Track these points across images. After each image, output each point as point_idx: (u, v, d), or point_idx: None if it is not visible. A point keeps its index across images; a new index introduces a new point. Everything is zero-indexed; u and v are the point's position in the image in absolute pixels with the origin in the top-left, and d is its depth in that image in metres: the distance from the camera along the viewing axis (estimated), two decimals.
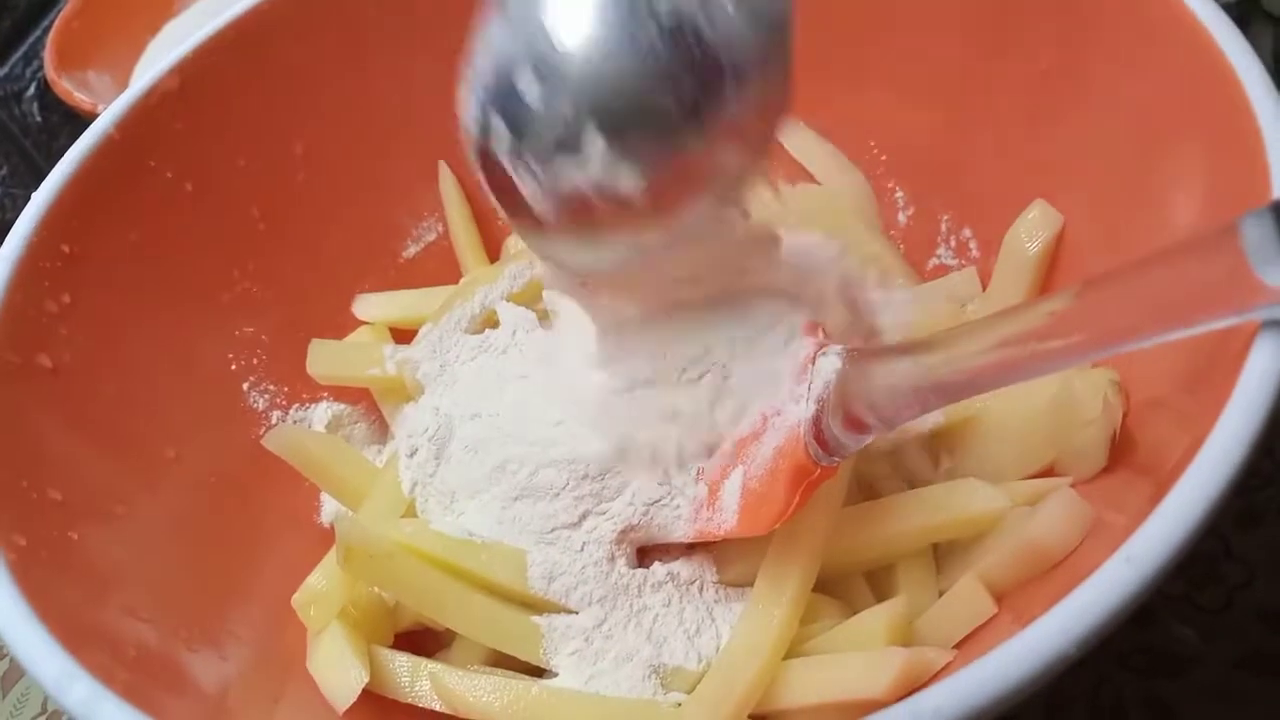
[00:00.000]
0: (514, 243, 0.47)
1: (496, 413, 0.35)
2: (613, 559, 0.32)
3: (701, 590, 0.32)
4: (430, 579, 0.32)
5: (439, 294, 0.44)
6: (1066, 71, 0.34)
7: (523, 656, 0.32)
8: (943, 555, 0.33)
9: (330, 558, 0.35)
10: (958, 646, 0.29)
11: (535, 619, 0.32)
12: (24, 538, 0.29)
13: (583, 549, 0.32)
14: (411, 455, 0.36)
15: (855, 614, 0.31)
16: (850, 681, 0.28)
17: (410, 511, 0.36)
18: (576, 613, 0.32)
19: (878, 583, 0.34)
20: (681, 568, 0.33)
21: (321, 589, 0.35)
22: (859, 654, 0.29)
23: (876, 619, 0.30)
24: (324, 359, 0.41)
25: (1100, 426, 0.29)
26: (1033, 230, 0.35)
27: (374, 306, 0.44)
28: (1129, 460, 0.28)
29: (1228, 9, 0.29)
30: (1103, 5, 0.32)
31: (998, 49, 0.36)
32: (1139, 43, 0.31)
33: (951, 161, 0.39)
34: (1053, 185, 0.36)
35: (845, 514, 0.32)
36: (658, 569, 0.32)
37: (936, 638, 0.30)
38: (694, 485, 0.32)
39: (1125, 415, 0.29)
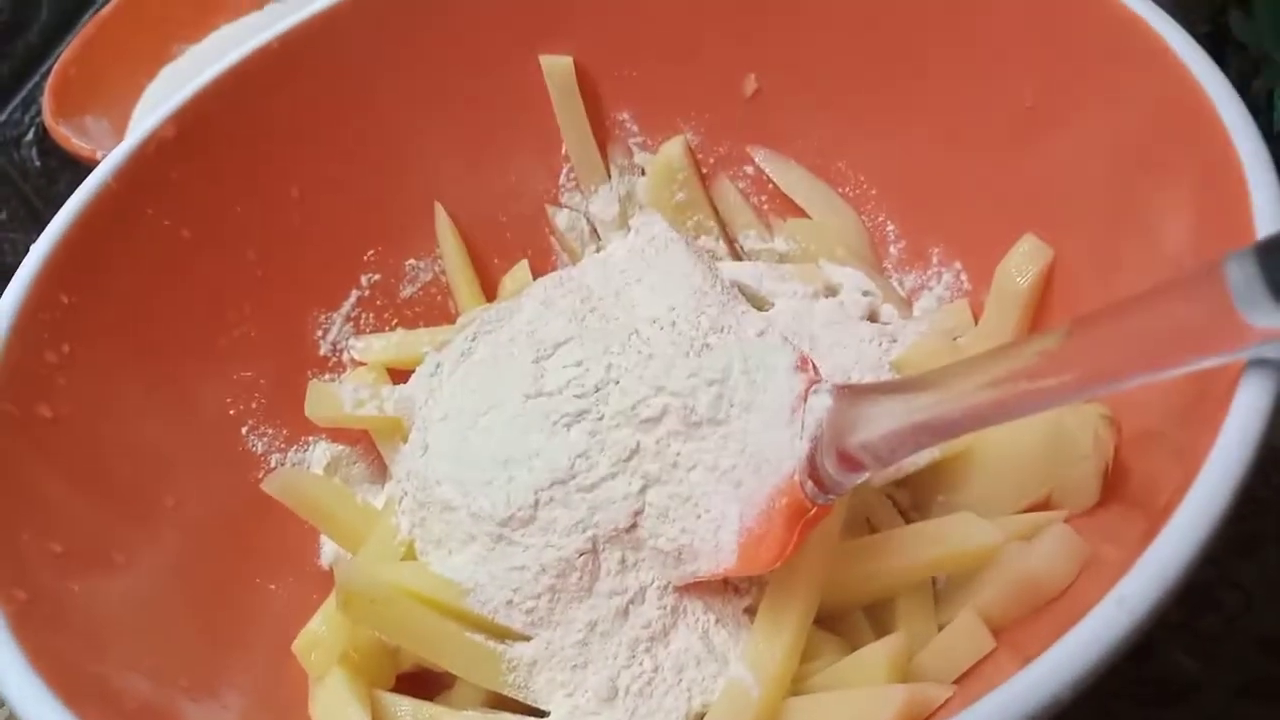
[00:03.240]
0: (510, 281, 0.47)
1: (474, 458, 0.35)
2: (609, 596, 0.32)
3: (699, 625, 0.32)
4: (430, 622, 0.32)
5: (436, 334, 0.44)
6: (1052, 107, 0.35)
7: (522, 698, 0.32)
8: (941, 590, 0.33)
9: (331, 602, 0.35)
10: (958, 681, 0.29)
11: (524, 656, 0.32)
12: (24, 591, 0.29)
13: (573, 588, 0.32)
14: (401, 501, 0.36)
15: (855, 650, 0.31)
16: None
17: (410, 553, 0.36)
18: (576, 657, 0.32)
19: (877, 618, 0.34)
20: (678, 602, 0.33)
21: (322, 634, 0.35)
22: (859, 691, 0.29)
23: (876, 655, 0.30)
24: (322, 401, 0.41)
25: (1092, 461, 0.29)
26: (1023, 264, 0.36)
27: (371, 347, 0.45)
28: (1123, 494, 0.28)
29: (1199, 38, 0.30)
30: (1084, 42, 0.33)
31: (985, 85, 0.37)
32: (1120, 77, 0.32)
33: (942, 195, 0.40)
34: (1043, 218, 0.36)
35: (842, 549, 0.32)
36: (651, 604, 0.32)
37: (936, 673, 0.30)
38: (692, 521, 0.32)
39: (1117, 449, 0.29)
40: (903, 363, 0.37)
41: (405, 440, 0.41)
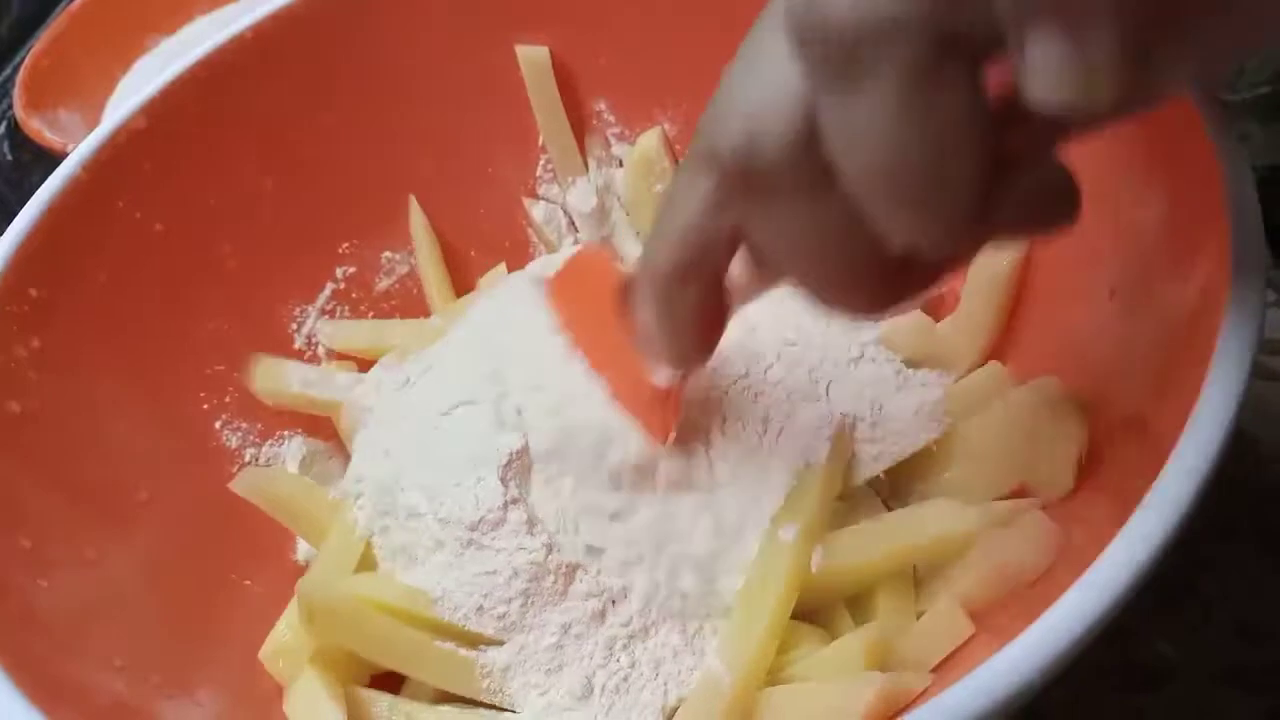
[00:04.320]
0: (485, 284, 0.46)
1: (440, 461, 0.34)
2: (585, 599, 0.32)
3: (680, 619, 0.32)
4: (398, 633, 0.32)
5: (405, 325, 0.44)
6: None
7: (498, 704, 0.32)
8: (920, 578, 0.33)
9: (294, 606, 0.35)
10: (937, 669, 0.29)
11: (497, 662, 0.32)
12: None
13: (548, 591, 0.32)
14: (358, 499, 0.36)
15: (834, 639, 0.31)
16: (828, 709, 0.28)
17: (369, 557, 0.35)
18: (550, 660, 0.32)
19: (857, 606, 0.34)
20: (650, 593, 0.32)
21: (288, 640, 0.34)
22: (836, 681, 0.29)
23: (853, 644, 0.30)
24: (269, 376, 0.40)
25: (1067, 449, 0.29)
26: (1001, 249, 0.36)
27: (339, 334, 0.44)
28: (1096, 480, 0.29)
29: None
30: None
31: None
32: None
33: None
34: None
35: (825, 540, 0.32)
36: (634, 602, 0.32)
37: (915, 660, 0.30)
38: None
39: (1091, 436, 0.29)
40: (887, 340, 0.37)
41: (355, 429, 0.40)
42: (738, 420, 0.34)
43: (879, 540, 0.32)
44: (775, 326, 0.37)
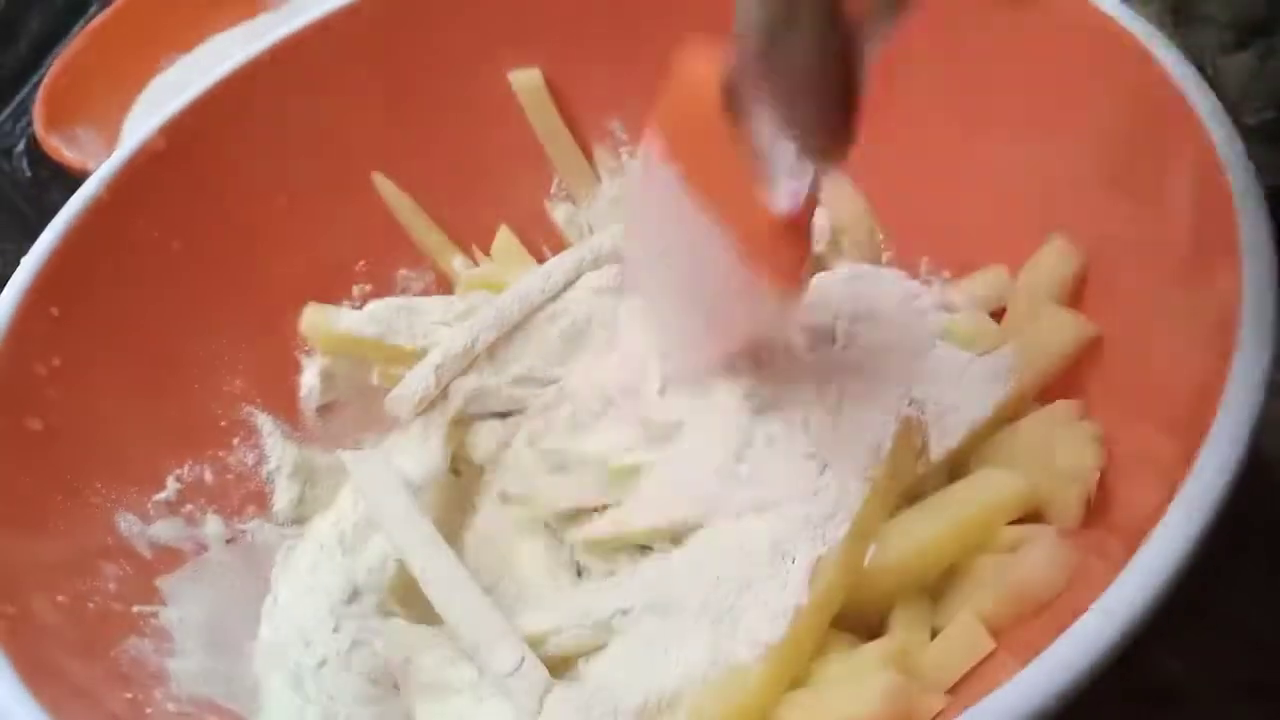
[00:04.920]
0: (498, 253, 0.46)
1: None
2: None
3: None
4: None
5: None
6: (1033, 116, 0.35)
7: None
8: (935, 596, 0.33)
9: None
10: (952, 690, 0.29)
11: None
12: (14, 605, 0.29)
13: None
14: None
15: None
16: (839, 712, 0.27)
17: None
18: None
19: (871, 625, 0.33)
20: None
21: None
22: (849, 681, 0.29)
23: (869, 656, 0.30)
24: (317, 317, 0.41)
25: (1080, 471, 0.29)
26: (1056, 262, 0.35)
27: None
28: (1111, 507, 0.29)
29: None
30: (1061, 51, 0.33)
31: (972, 97, 0.37)
32: (1096, 80, 0.32)
33: (930, 204, 0.40)
34: (1033, 227, 0.36)
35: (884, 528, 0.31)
36: None
37: (931, 677, 0.29)
38: None
39: (1106, 458, 0.29)
40: (953, 332, 0.36)
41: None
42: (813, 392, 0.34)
43: (937, 515, 0.31)
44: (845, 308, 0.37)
